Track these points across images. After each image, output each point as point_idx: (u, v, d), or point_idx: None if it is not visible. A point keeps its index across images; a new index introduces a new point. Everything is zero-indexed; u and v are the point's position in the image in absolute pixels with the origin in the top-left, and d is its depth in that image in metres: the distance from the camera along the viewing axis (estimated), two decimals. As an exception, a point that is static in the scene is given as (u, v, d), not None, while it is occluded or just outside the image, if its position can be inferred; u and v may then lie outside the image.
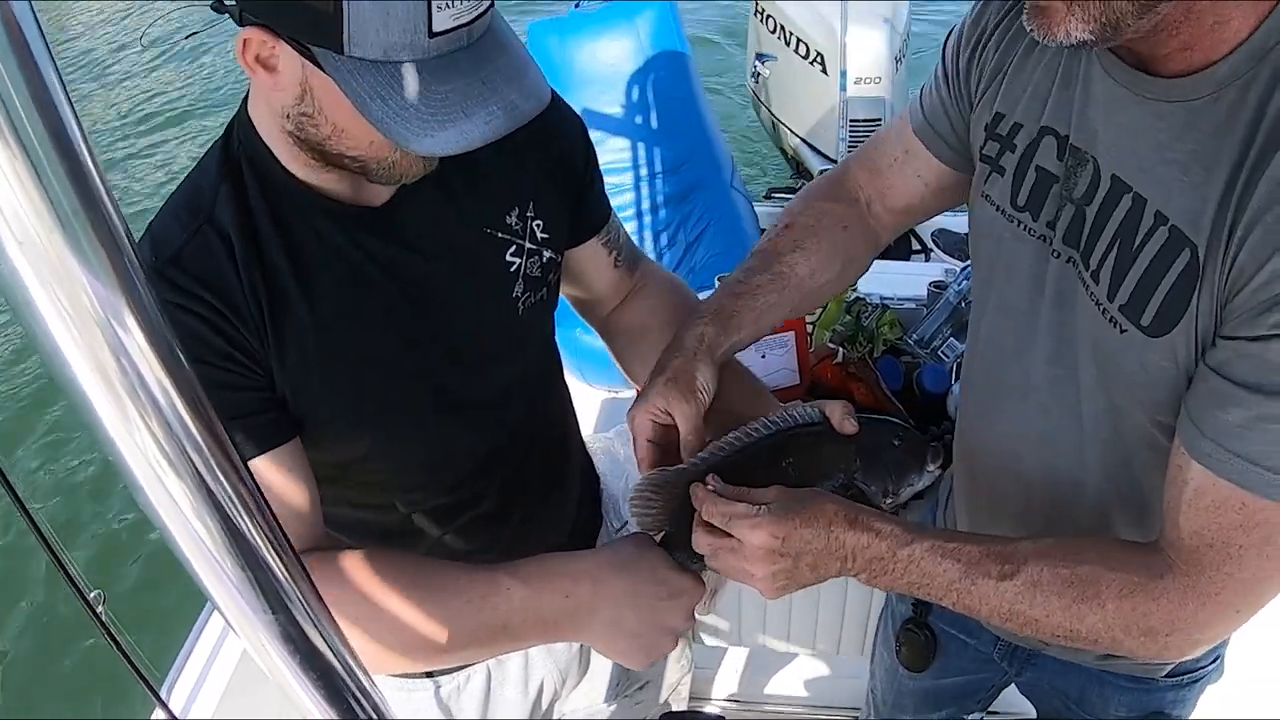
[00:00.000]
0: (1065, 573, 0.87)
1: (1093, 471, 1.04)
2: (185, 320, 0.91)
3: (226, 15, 0.84)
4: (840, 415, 0.99)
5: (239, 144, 0.97)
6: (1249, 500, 0.79)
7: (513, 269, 1.11)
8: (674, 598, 0.98)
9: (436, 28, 0.79)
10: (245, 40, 0.82)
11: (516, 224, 1.10)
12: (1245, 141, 0.79)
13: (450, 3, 0.78)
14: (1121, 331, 0.90)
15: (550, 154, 1.12)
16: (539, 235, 1.12)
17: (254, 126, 0.96)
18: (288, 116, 0.89)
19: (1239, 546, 0.81)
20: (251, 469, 0.92)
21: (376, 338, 1.02)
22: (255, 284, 0.94)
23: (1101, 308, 0.92)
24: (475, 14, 0.81)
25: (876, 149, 1.23)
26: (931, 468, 1.00)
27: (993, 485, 1.20)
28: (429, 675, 1.28)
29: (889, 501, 1.00)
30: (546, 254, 1.14)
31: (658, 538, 1.02)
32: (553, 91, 0.92)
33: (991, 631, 1.31)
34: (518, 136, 0.86)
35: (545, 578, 0.98)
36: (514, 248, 1.10)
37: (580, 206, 1.18)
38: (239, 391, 0.94)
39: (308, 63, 0.81)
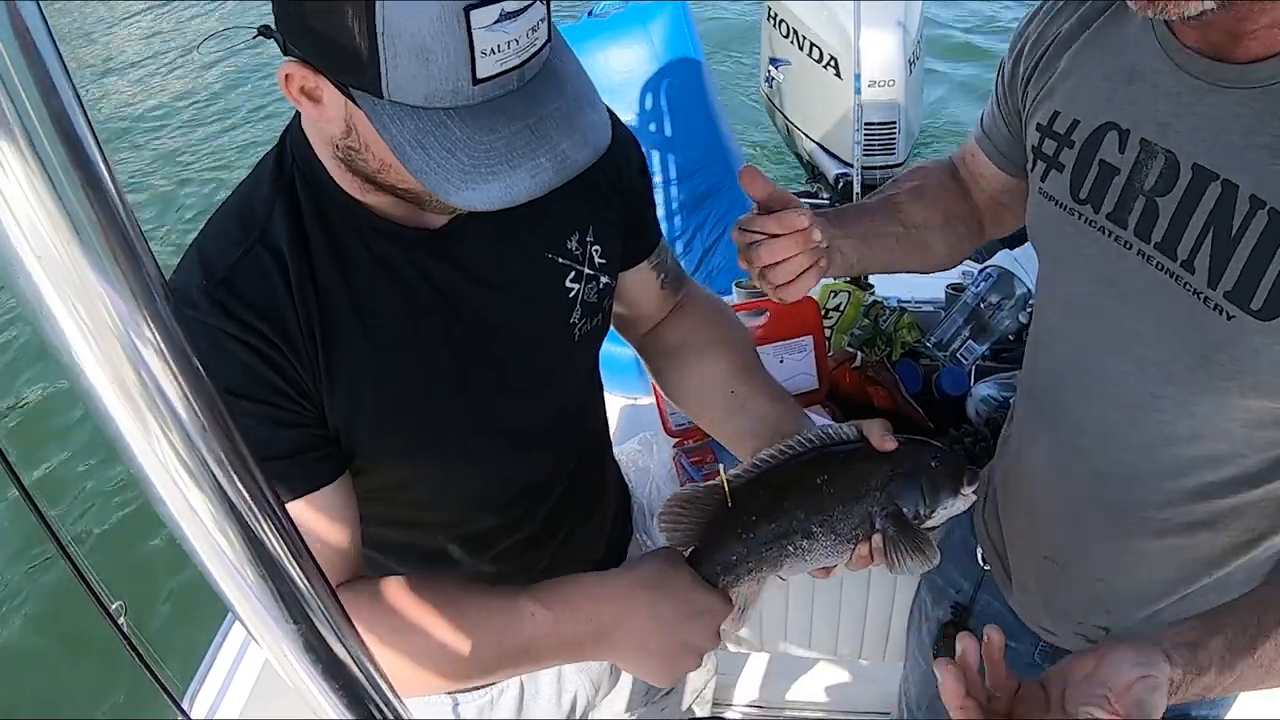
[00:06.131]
0: None
1: (1165, 466, 1.02)
2: (236, 351, 0.87)
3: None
4: (879, 433, 0.98)
5: (292, 159, 0.93)
6: None
7: (571, 295, 1.07)
8: (699, 616, 0.96)
9: (481, 74, 0.73)
10: (287, 75, 0.78)
11: (576, 249, 1.07)
12: None
13: (495, 49, 0.73)
14: (1229, 318, 0.89)
15: (610, 177, 1.09)
16: (597, 261, 1.09)
17: (308, 141, 0.92)
18: (336, 147, 0.85)
19: None
20: (294, 508, 0.91)
21: (432, 364, 0.99)
22: (309, 306, 0.91)
23: (1202, 296, 0.91)
24: (524, 57, 0.76)
25: (959, 154, 1.32)
26: (967, 491, 0.98)
27: (1045, 485, 1.18)
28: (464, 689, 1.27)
29: (921, 522, 0.98)
30: (604, 280, 1.11)
31: (686, 553, 1.01)
32: (610, 113, 0.87)
33: (1032, 633, 1.29)
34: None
35: (568, 601, 0.96)
36: (573, 274, 1.07)
37: (634, 230, 1.15)
38: (288, 429, 0.91)
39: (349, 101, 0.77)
